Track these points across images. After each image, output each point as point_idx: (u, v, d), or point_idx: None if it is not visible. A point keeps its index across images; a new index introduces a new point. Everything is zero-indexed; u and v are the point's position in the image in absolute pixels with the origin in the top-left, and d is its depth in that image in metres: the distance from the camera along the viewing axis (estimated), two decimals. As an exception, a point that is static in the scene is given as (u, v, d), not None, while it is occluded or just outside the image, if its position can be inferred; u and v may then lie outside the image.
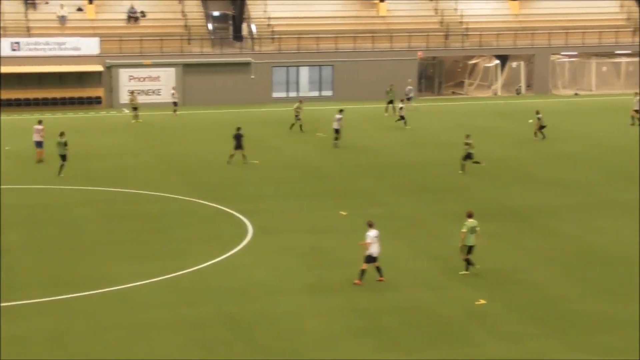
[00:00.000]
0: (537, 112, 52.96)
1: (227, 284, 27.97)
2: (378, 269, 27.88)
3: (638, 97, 58.60)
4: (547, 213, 36.79)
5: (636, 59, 77.02)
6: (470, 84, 77.56)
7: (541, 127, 52.77)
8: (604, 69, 77.47)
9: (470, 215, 28.61)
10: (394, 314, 25.62)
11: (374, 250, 27.64)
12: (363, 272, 27.62)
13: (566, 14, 78.84)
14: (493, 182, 42.44)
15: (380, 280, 27.80)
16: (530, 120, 55.88)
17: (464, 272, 28.55)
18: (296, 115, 55.53)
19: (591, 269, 29.69)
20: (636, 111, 57.96)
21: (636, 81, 77.00)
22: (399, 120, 58.16)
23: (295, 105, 56.29)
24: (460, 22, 76.43)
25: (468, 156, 44.24)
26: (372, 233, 27.72)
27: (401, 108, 57.90)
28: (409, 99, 63.83)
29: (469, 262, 28.62)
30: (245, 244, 32.39)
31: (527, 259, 30.77)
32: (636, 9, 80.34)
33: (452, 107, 66.31)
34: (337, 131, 50.57)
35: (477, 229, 28.42)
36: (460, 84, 78.10)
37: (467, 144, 44.33)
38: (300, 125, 55.41)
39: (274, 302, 26.41)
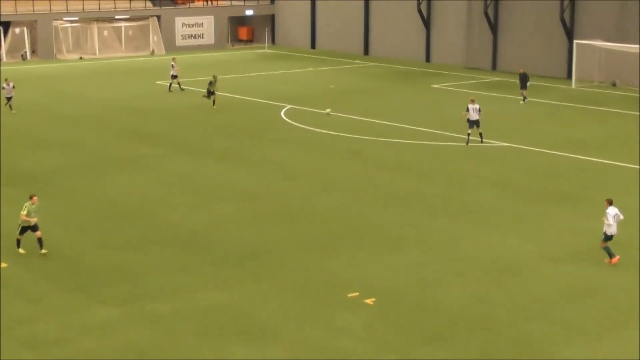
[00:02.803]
0: (214, 77, 52.43)
1: None
2: None
3: (173, 62, 58.27)
4: (59, 174, 36.83)
5: (135, 23, 78.66)
6: (-26, 52, 74.89)
7: (210, 93, 51.89)
8: (106, 33, 78.23)
9: (31, 198, 27.36)
10: None
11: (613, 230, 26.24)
12: None
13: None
14: (4, 146, 41.59)
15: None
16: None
17: (42, 251, 27.10)
18: None
19: (106, 223, 30.27)
20: (174, 76, 57.77)
21: (137, 44, 78.76)
22: None
23: None
24: (-42, -11, 73.41)
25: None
26: (612, 211, 26.32)
27: None
28: None
29: (39, 242, 27.10)
30: None
31: (46, 221, 30.60)
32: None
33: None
34: None
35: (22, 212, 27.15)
36: (-37, 52, 75.11)
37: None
38: None
39: None
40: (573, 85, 59.02)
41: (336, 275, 25.52)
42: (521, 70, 54.36)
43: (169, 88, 57.89)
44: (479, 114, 41.87)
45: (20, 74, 65.79)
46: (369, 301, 23.58)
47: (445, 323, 22.29)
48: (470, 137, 41.89)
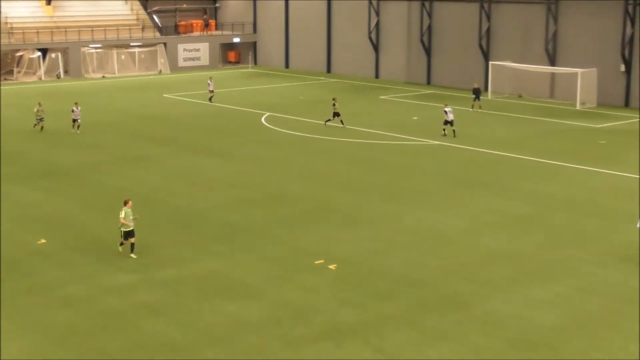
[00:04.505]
0: (334, 99, 47.68)
1: None
2: None
3: (210, 80, 57.48)
4: (87, 169, 36.46)
5: (146, 49, 78.02)
6: (19, 72, 73.87)
7: (335, 114, 46.09)
8: (123, 57, 77.50)
9: (126, 203, 24.47)
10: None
11: None
12: None
13: (90, 16, 77.71)
14: (44, 147, 41.15)
15: None
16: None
17: (132, 255, 24.28)
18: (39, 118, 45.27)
19: (122, 206, 29.89)
20: (211, 91, 56.70)
21: (147, 65, 78.10)
22: None
23: (36, 108, 45.54)
24: (6, 23, 72.34)
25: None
26: None
27: None
28: None
29: (132, 247, 24.39)
30: None
31: (76, 205, 30.39)
32: (143, 11, 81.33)
33: (4, 91, 62.87)
34: None
35: (133, 216, 24.36)
36: (11, 72, 74.06)
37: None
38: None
39: None
40: (489, 97, 59.21)
41: (306, 246, 25.48)
42: (475, 85, 54.45)
43: (210, 100, 56.39)
44: (448, 116, 43.29)
45: (56, 89, 65.15)
46: (332, 267, 23.56)
47: (392, 283, 22.30)
48: (445, 132, 43.67)
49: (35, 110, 45.63)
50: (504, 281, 22.45)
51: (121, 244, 24.64)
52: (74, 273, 23.15)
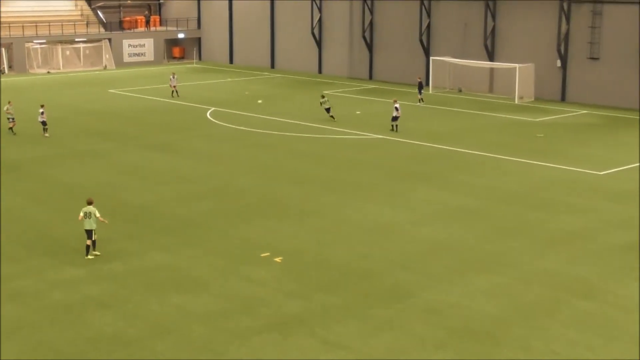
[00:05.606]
0: (322, 97, 47.72)
1: None
2: None
3: (173, 75, 57.50)
4: (34, 163, 35.77)
5: (91, 45, 76.84)
6: (-38, 67, 72.25)
7: (327, 110, 46.50)
8: (68, 52, 76.22)
9: (89, 202, 23.61)
10: None
11: None
12: None
13: (34, 11, 76.36)
14: (-12, 144, 40.32)
15: None
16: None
17: (90, 257, 23.41)
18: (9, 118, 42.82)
19: (71, 201, 29.35)
20: (173, 86, 56.67)
21: (93, 61, 76.92)
22: None
23: (6, 107, 43.22)
24: (-52, 17, 70.63)
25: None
26: None
27: None
28: None
29: (88, 247, 23.49)
30: None
31: (24, 200, 29.75)
32: (87, 7, 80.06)
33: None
34: None
35: (97, 214, 23.41)
36: (-47, 67, 72.34)
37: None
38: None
39: None
40: (430, 91, 59.71)
41: (252, 239, 25.39)
42: (419, 79, 55.13)
43: (176, 94, 56.43)
44: (398, 112, 43.49)
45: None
46: (278, 259, 23.52)
47: (336, 275, 22.35)
48: (393, 127, 43.57)
49: (5, 109, 43.24)
50: (446, 271, 22.67)
51: (87, 247, 23.52)
52: (21, 267, 22.70)
